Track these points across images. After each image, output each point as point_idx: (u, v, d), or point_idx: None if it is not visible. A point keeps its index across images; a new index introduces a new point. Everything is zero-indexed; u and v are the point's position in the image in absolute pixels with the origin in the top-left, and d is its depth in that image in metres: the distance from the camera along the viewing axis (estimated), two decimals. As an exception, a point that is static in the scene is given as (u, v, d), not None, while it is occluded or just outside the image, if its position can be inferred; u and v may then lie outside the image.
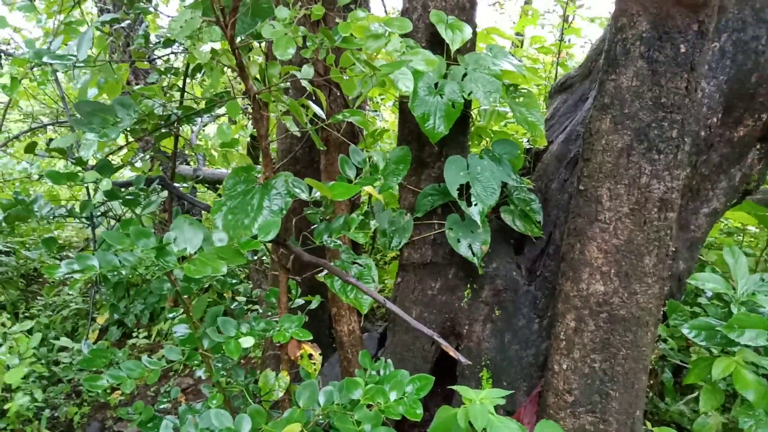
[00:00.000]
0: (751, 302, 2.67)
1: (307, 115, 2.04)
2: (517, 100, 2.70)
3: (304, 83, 1.99)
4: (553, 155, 2.96)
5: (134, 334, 4.44)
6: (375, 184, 2.21)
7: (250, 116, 4.55)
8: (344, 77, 1.68)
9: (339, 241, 2.19)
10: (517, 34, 6.02)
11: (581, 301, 2.23)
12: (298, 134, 1.99)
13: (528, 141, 3.32)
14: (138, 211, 1.98)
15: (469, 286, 2.84)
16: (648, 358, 2.27)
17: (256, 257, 2.68)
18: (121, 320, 4.52)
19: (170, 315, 2.00)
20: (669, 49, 2.06)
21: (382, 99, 5.31)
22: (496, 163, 2.70)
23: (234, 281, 2.24)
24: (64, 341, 3.71)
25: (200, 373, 2.04)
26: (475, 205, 2.55)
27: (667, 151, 2.10)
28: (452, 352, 1.73)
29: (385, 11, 4.26)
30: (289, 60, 1.57)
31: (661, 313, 2.33)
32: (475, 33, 2.75)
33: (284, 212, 1.89)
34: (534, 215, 2.77)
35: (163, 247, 1.61)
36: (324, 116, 2.01)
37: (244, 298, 2.64)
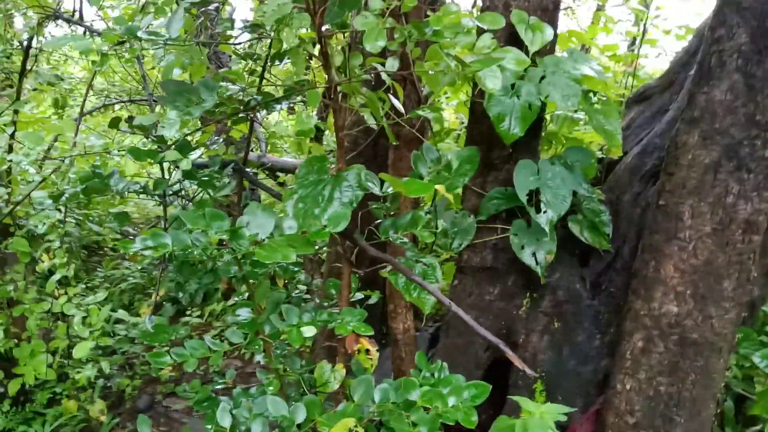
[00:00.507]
0: (830, 337, 2.53)
1: (383, 109, 2.02)
2: (595, 106, 2.62)
3: (384, 76, 1.96)
4: (626, 167, 2.86)
5: (187, 313, 4.53)
6: (445, 184, 2.18)
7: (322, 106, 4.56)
8: (430, 72, 1.65)
9: (405, 238, 2.16)
10: (588, 40, 5.86)
11: (652, 320, 2.14)
12: (374, 127, 1.97)
13: (601, 150, 3.22)
14: (212, 193, 2.01)
15: (528, 294, 2.77)
16: (718, 385, 2.17)
17: (315, 247, 2.68)
18: (175, 298, 4.62)
19: (236, 298, 2.01)
20: (768, 64, 1.95)
21: (447, 97, 5.25)
22: (568, 170, 2.61)
23: (296, 269, 2.24)
24: (122, 314, 3.81)
25: (259, 357, 2.05)
26: (545, 212, 2.48)
27: (758, 171, 1.99)
28: (518, 363, 1.68)
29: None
30: (376, 52, 1.55)
31: (735, 340, 2.22)
32: (555, 35, 2.68)
33: (354, 205, 1.88)
34: (603, 227, 2.67)
35: (237, 230, 1.62)
36: (403, 110, 1.98)
37: (305, 287, 2.65)
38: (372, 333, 1.94)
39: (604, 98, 2.61)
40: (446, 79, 1.83)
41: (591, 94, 2.63)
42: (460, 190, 3.07)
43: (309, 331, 1.83)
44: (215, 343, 1.89)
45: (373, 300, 2.41)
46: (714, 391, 2.18)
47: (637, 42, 4.68)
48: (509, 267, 2.78)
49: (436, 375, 2.15)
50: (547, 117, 3.08)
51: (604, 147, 3.16)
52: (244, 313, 1.97)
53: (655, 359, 2.15)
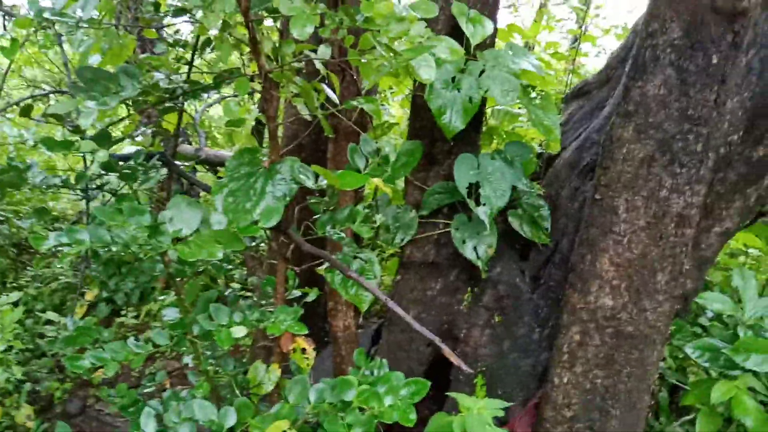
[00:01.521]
0: (758, 326, 2.60)
1: (318, 100, 1.95)
2: (534, 101, 2.62)
3: (318, 65, 1.90)
4: (565, 162, 2.88)
5: (123, 313, 4.35)
6: (383, 177, 2.13)
7: (257, 98, 4.45)
8: (363, 60, 1.59)
9: (342, 234, 2.10)
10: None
11: (588, 314, 2.15)
12: (309, 119, 1.90)
13: (540, 145, 3.23)
14: (135, 186, 1.90)
15: (470, 289, 2.76)
16: (653, 377, 2.20)
17: (254, 243, 2.59)
18: (110, 297, 4.42)
19: (161, 297, 1.91)
20: (701, 59, 1.98)
21: (392, 92, 5.21)
22: (508, 165, 2.61)
23: (229, 267, 2.15)
24: (51, 315, 3.62)
25: (188, 359, 1.96)
26: (484, 205, 2.46)
27: (690, 165, 2.02)
28: (455, 360, 1.65)
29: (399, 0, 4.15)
30: (304, 39, 1.48)
31: (669, 332, 2.26)
32: (495, 29, 2.66)
33: (288, 199, 1.80)
34: (542, 222, 2.68)
35: (157, 226, 1.53)
36: (337, 101, 1.92)
37: (239, 285, 2.56)
38: (306, 332, 1.88)
39: (543, 93, 2.61)
40: (383, 69, 1.78)
41: (530, 89, 2.63)
42: (402, 185, 3.04)
43: (239, 332, 1.75)
44: (138, 345, 1.80)
45: (311, 297, 2.34)
46: (648, 383, 2.21)
47: (578, 40, 4.75)
48: (452, 262, 2.76)
49: (375, 372, 2.11)
50: (488, 111, 3.07)
51: (544, 142, 3.19)
52: (171, 313, 1.88)
53: (591, 352, 2.16)
